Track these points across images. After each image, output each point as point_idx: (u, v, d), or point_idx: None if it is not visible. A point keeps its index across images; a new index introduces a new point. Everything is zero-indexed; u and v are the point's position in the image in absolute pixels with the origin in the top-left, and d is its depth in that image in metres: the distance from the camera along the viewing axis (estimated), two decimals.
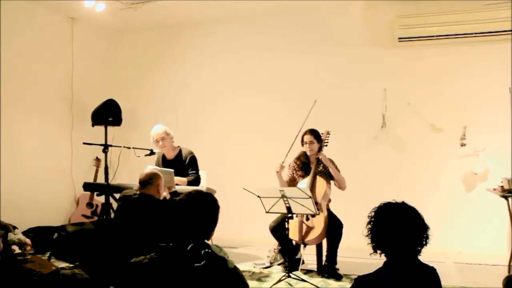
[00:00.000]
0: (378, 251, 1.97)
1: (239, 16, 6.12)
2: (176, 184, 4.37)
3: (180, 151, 4.80)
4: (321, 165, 4.39)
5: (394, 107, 5.54)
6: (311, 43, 5.90)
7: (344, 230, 4.16)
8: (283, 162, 4.37)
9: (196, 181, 4.65)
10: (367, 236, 2.00)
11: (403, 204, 1.97)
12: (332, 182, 4.43)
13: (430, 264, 1.96)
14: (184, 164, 4.69)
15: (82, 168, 6.18)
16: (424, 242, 1.93)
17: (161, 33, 6.65)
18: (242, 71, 6.24)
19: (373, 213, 2.00)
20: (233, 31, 6.29)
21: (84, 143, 4.70)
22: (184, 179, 4.59)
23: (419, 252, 1.94)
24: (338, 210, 4.36)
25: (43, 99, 5.85)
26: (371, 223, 1.99)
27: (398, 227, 1.90)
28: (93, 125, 5.80)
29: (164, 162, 4.77)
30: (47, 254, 4.64)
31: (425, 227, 1.94)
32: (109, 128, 5.80)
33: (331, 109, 5.65)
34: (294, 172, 4.50)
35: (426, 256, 2.01)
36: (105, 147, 4.67)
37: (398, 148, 5.55)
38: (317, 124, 4.53)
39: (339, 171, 4.43)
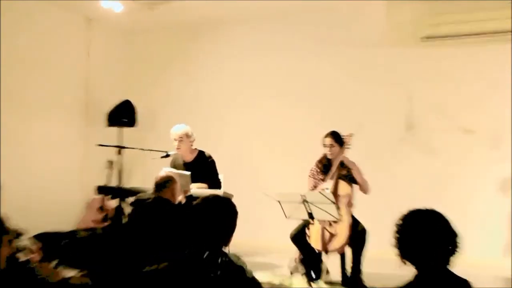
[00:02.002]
0: (407, 262, 1.92)
1: (258, 16, 6.13)
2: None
3: (199, 154, 4.78)
4: (345, 168, 4.35)
5: (420, 108, 5.48)
6: (331, 44, 5.88)
7: (369, 239, 4.11)
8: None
9: (218, 186, 4.66)
10: (394, 246, 1.95)
11: (432, 211, 1.92)
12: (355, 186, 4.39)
13: (464, 277, 1.91)
14: (203, 168, 4.69)
15: (94, 171, 6.22)
16: (456, 252, 1.88)
17: (179, 33, 6.72)
18: (261, 73, 6.26)
19: (400, 221, 1.95)
20: (252, 32, 6.31)
21: (99, 145, 4.76)
22: (205, 185, 4.60)
23: (450, 261, 1.89)
24: (362, 217, 4.30)
25: (58, 99, 5.97)
26: (399, 232, 1.94)
27: (428, 236, 1.86)
28: (107, 126, 5.88)
29: (183, 164, 4.76)
30: (55, 262, 4.68)
31: (456, 236, 1.89)
32: (124, 129, 5.88)
33: (354, 111, 5.61)
34: (315, 175, 4.47)
35: (460, 268, 1.95)
36: (120, 149, 4.72)
37: (425, 151, 5.48)
38: (339, 126, 4.50)
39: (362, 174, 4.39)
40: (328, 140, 4.37)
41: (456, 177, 5.32)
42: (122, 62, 6.92)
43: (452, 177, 5.32)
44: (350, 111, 5.64)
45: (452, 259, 1.89)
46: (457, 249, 1.89)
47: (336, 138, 4.38)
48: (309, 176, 4.46)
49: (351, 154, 4.43)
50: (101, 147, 4.85)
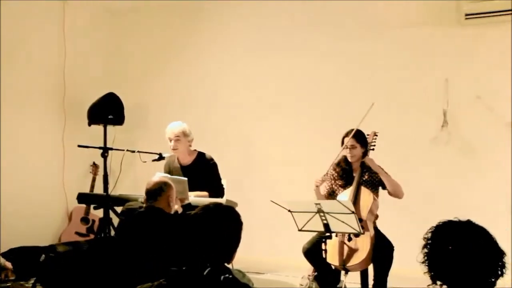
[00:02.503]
0: (438, 282, 1.95)
1: None
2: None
3: (198, 156, 4.84)
4: (367, 173, 4.37)
5: (458, 102, 5.48)
6: (354, 26, 5.85)
7: (394, 254, 4.13)
8: (325, 174, 4.38)
9: (220, 193, 4.70)
10: (423, 263, 1.98)
11: (469, 223, 1.95)
12: (381, 192, 4.40)
13: None
14: (204, 172, 4.74)
15: (76, 176, 6.28)
16: (499, 272, 1.89)
17: (174, 12, 6.67)
18: (273, 64, 6.22)
19: (430, 234, 1.99)
20: (264, 14, 6.26)
21: (79, 146, 4.80)
22: (206, 193, 4.65)
23: (493, 284, 1.90)
24: (386, 229, 4.33)
25: (29, 93, 5.94)
26: (428, 246, 1.97)
27: (463, 252, 1.88)
28: (89, 124, 5.91)
29: (180, 168, 4.81)
30: (32, 281, 4.74)
31: (499, 252, 1.91)
32: (109, 127, 5.91)
33: (379, 105, 5.59)
34: (333, 182, 4.49)
35: None
36: (105, 150, 4.76)
37: (463, 152, 5.49)
38: (361, 124, 4.51)
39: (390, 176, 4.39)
40: (348, 140, 4.37)
41: (500, 183, 5.28)
42: (105, 48, 6.88)
43: (495, 183, 5.31)
44: (376, 105, 5.62)
45: (495, 280, 1.89)
46: (502, 269, 1.90)
47: (358, 138, 4.37)
48: (321, 179, 4.44)
49: (373, 156, 4.45)
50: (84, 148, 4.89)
